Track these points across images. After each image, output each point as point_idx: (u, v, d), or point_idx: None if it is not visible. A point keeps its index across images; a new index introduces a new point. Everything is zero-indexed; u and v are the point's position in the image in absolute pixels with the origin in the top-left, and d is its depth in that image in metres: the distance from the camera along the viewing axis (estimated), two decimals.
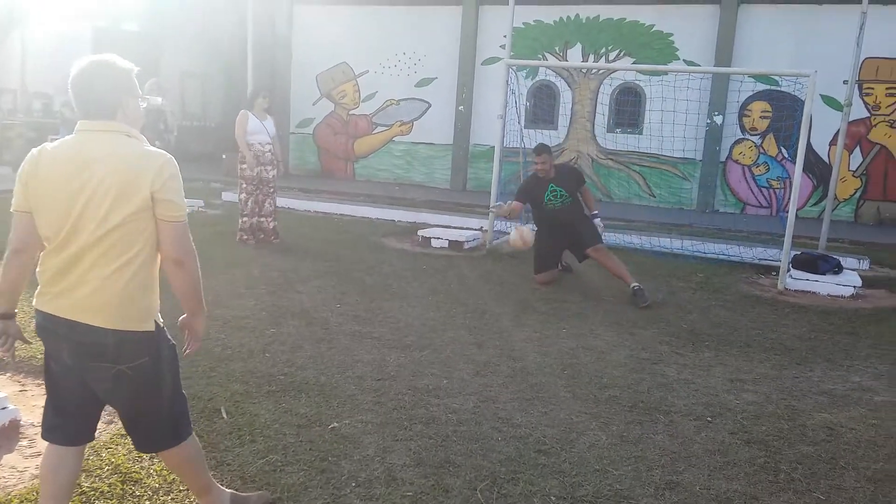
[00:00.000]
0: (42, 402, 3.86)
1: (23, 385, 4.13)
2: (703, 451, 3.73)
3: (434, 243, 9.25)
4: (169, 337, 2.52)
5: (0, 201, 10.23)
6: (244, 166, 8.30)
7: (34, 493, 2.91)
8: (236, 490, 2.97)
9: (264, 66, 15.96)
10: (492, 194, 9.25)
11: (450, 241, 9.20)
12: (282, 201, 11.19)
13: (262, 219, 8.50)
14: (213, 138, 18.06)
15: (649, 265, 8.45)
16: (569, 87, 14.55)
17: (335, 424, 3.74)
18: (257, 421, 3.72)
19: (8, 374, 4.25)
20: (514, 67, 10.14)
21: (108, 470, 3.13)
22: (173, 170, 2.38)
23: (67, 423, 2.48)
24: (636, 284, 6.87)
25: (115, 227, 2.27)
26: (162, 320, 2.51)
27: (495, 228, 9.46)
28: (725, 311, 6.74)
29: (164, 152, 2.42)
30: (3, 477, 3.13)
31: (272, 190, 8.52)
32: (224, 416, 3.77)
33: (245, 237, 8.44)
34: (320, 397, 4.08)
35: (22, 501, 2.86)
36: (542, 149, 7.33)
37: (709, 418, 4.17)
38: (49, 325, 2.36)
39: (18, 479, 3.10)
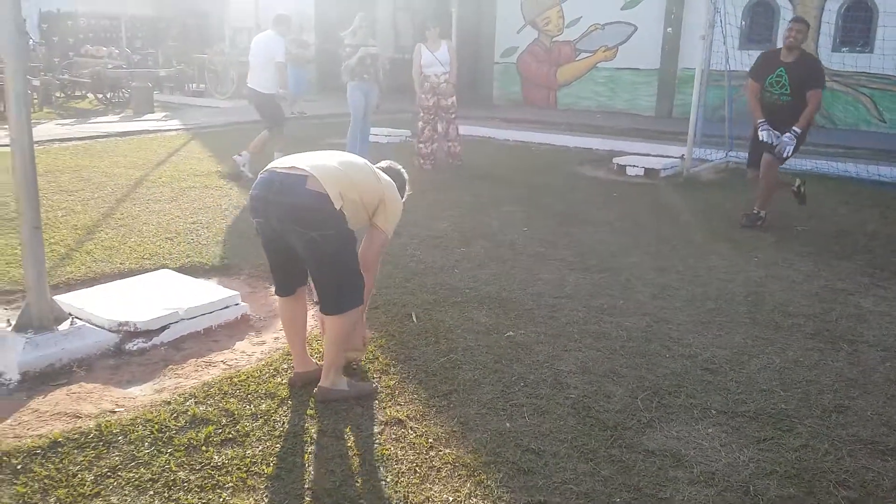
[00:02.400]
0: (267, 301, 4.56)
1: (252, 287, 4.86)
2: (883, 381, 3.62)
3: (629, 171, 9.19)
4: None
5: (237, 132, 11.43)
6: (422, 96, 8.95)
7: (259, 371, 3.53)
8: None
9: None
10: (691, 121, 8.95)
11: (645, 169, 9.09)
12: (481, 131, 11.58)
13: (450, 143, 9.08)
14: None
15: (865, 195, 7.84)
16: (790, 2, 13.40)
17: (511, 333, 4.06)
18: (442, 326, 4.14)
19: (241, 278, 5.01)
20: None
21: (316, 357, 3.68)
22: None
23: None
24: (759, 210, 6.64)
25: None
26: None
27: (694, 157, 9.18)
28: None
29: None
30: (235, 358, 3.80)
31: (454, 116, 9.03)
32: (414, 320, 4.22)
33: (421, 162, 9.03)
34: (500, 309, 4.42)
35: (248, 377, 3.47)
36: (799, 18, 6.82)
37: None
38: None
39: (247, 361, 3.75)
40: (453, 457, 2.88)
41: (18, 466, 2.73)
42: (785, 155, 6.46)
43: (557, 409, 3.26)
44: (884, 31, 12.04)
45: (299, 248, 3.12)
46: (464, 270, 5.16)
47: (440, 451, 2.92)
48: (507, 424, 3.12)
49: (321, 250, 3.08)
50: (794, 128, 6.38)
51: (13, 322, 3.66)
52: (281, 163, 3.22)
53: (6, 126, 3.62)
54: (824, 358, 3.88)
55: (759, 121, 6.59)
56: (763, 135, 6.54)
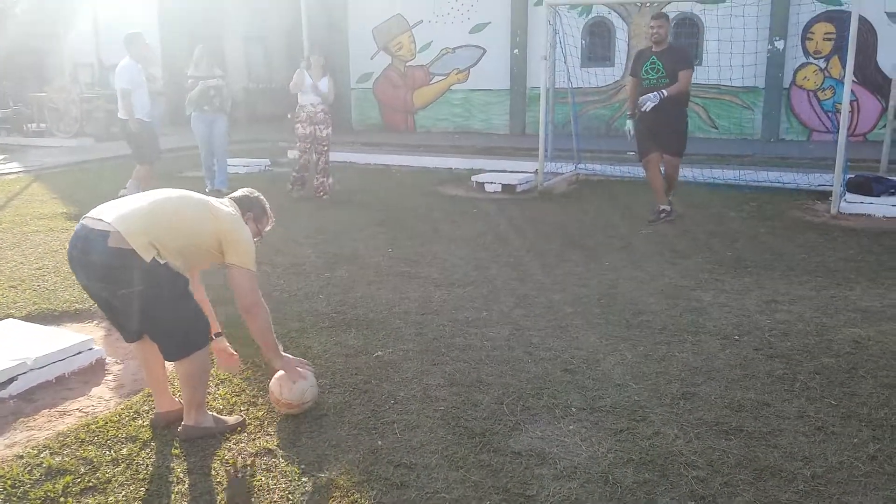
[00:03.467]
0: (122, 342, 4.38)
1: (108, 330, 4.65)
2: (724, 366, 3.94)
3: (487, 188, 9.50)
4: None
5: (82, 171, 10.91)
6: (297, 125, 8.82)
7: (118, 416, 3.40)
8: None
9: (320, 24, 16.25)
10: (540, 138, 9.38)
11: (503, 185, 9.43)
12: (342, 156, 11.62)
13: (322, 179, 8.95)
14: (279, 99, 18.59)
15: (701, 196, 8.49)
16: (624, 22, 14.34)
17: (379, 353, 4.12)
18: (310, 352, 4.13)
19: (95, 321, 4.79)
20: (560, 6, 10.13)
21: (179, 395, 3.58)
22: None
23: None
24: (664, 207, 7.26)
25: None
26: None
27: (546, 171, 9.61)
28: (774, 237, 6.80)
29: None
30: (92, 405, 3.63)
31: (325, 147, 8.92)
32: (281, 350, 4.18)
33: (290, 187, 8.99)
34: (368, 331, 4.47)
35: (107, 422, 3.34)
36: (660, 14, 7.25)
37: (736, 337, 4.36)
38: None
39: (105, 407, 3.60)
40: (326, 480, 2.89)
41: None
42: (643, 108, 7.02)
43: (427, 422, 3.34)
44: (708, 45, 13.13)
45: (115, 303, 3.02)
46: (330, 295, 5.17)
47: (312, 475, 2.92)
48: (379, 442, 3.17)
49: (136, 306, 2.99)
50: (661, 90, 6.96)
51: None
52: (93, 213, 3.09)
53: None
54: (671, 350, 4.17)
55: (628, 113, 7.48)
56: (627, 125, 7.52)
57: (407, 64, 16.63)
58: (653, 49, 7.15)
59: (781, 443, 3.14)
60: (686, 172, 9.63)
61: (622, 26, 14.38)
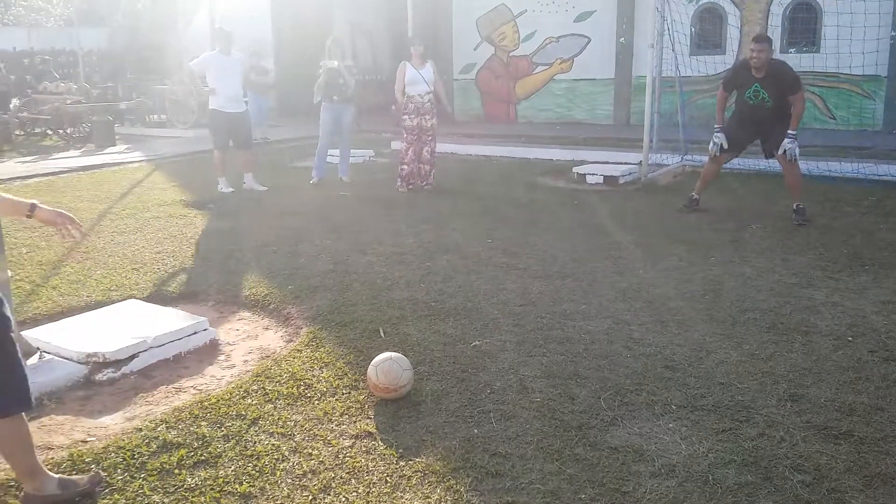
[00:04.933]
0: (236, 325, 4.61)
1: (220, 313, 4.90)
2: (835, 368, 3.76)
3: (589, 179, 9.37)
4: None
5: (197, 161, 11.46)
6: (405, 117, 8.77)
7: (229, 394, 3.57)
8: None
9: (425, 15, 16.40)
10: (645, 129, 9.16)
11: (605, 177, 9.28)
12: (444, 146, 11.72)
13: (420, 165, 8.95)
14: (384, 90, 18.92)
15: (817, 191, 8.09)
16: (736, 7, 13.79)
17: (477, 342, 4.16)
18: (409, 339, 4.21)
19: (209, 304, 5.05)
20: None
21: (285, 376, 3.74)
22: None
23: None
24: (800, 204, 6.92)
25: None
26: None
27: (651, 162, 9.39)
28: (894, 234, 6.41)
29: None
30: (205, 383, 3.84)
31: (430, 137, 8.89)
32: (382, 335, 4.29)
33: (400, 184, 8.94)
34: (466, 320, 4.51)
35: (218, 400, 3.52)
36: (762, 37, 6.98)
37: (850, 338, 4.15)
38: None
39: (217, 385, 3.79)
40: (423, 465, 2.95)
41: None
42: (796, 157, 6.90)
43: (523, 413, 3.35)
44: (827, 31, 12.45)
45: None
46: (430, 284, 5.25)
47: (410, 460, 2.99)
48: (475, 431, 3.21)
49: None
50: (788, 132, 6.81)
51: None
52: None
53: None
54: (779, 350, 4.02)
55: (717, 126, 7.25)
56: (715, 139, 7.23)
57: (510, 54, 16.57)
58: (754, 74, 6.87)
59: (895, 449, 2.99)
60: (802, 165, 9.22)
61: (734, 12, 13.83)
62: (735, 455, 2.98)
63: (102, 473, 2.89)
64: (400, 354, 3.64)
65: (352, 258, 5.94)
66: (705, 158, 7.68)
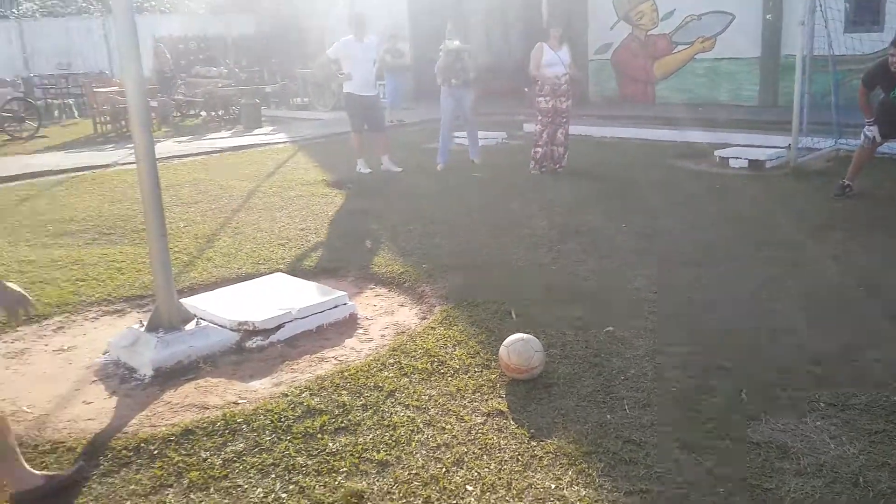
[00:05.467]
0: (373, 301, 4.76)
1: (359, 289, 5.08)
2: None
3: (732, 163, 8.97)
4: None
5: (337, 143, 11.88)
6: (540, 99, 8.69)
7: (367, 366, 3.71)
8: None
9: None
10: (794, 110, 8.63)
11: (749, 161, 8.85)
12: (578, 129, 11.56)
13: (554, 147, 8.85)
14: (515, 73, 18.84)
15: None
16: None
17: (610, 328, 4.10)
18: (541, 321, 4.21)
19: (349, 280, 5.25)
20: None
21: (420, 352, 3.85)
22: None
23: None
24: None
25: None
26: None
27: (801, 146, 8.85)
28: None
29: None
30: (345, 354, 4.00)
31: (564, 120, 8.78)
32: (513, 316, 4.32)
33: (533, 166, 8.88)
34: (599, 305, 4.46)
35: (358, 371, 3.66)
36: None
37: None
38: None
39: (356, 357, 3.95)
40: (554, 446, 2.96)
41: (155, 452, 3.01)
42: None
43: (659, 401, 3.29)
44: None
45: None
46: (561, 267, 5.21)
47: (541, 440, 3.01)
48: (608, 416, 3.18)
49: None
50: None
51: (145, 323, 4.00)
52: None
53: (131, 145, 3.95)
54: None
55: (868, 119, 7.00)
56: (867, 132, 7.01)
57: (648, 33, 16.04)
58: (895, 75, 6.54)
59: None
60: None
61: None
62: (890, 458, 2.80)
63: (82, 464, 2.91)
64: (532, 336, 3.65)
65: (484, 239, 5.99)
66: (859, 142, 7.20)
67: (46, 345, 4.24)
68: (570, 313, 4.34)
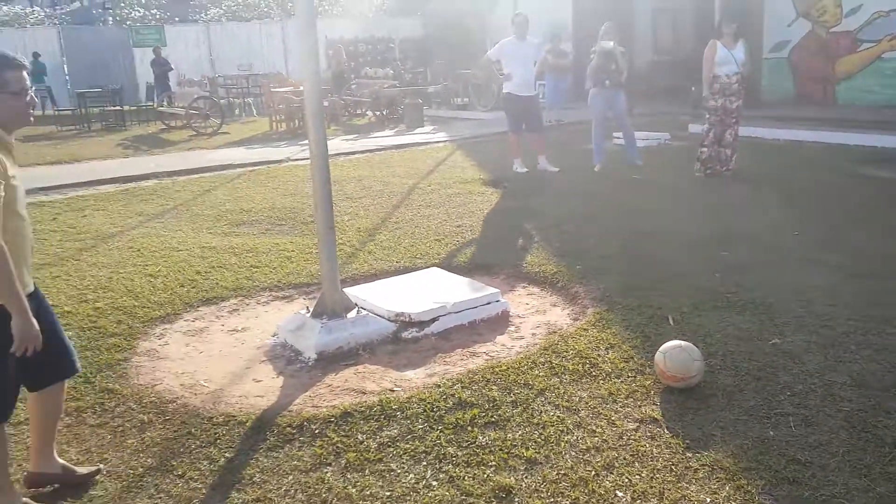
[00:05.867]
0: (525, 299, 4.76)
1: (511, 287, 5.11)
2: None
3: None
4: None
5: (494, 142, 11.96)
6: (711, 97, 8.31)
7: (518, 364, 3.73)
8: None
9: None
10: None
11: None
12: (748, 130, 11.01)
13: (721, 148, 8.47)
14: (684, 71, 18.15)
15: None
16: None
17: (776, 340, 3.88)
18: (701, 330, 4.06)
19: (501, 277, 5.29)
20: None
21: (572, 353, 3.82)
22: None
23: None
24: None
25: None
26: None
27: None
28: None
29: None
30: (496, 350, 4.05)
31: (734, 120, 8.38)
32: (671, 323, 4.19)
33: (698, 168, 8.53)
34: (764, 316, 4.23)
35: (508, 368, 3.69)
36: None
37: None
38: None
39: (507, 354, 3.99)
40: (711, 459, 2.85)
41: (316, 431, 3.18)
42: None
43: (828, 421, 3.08)
44: None
45: None
46: (726, 274, 4.99)
47: (697, 452, 2.91)
48: (771, 432, 3.01)
49: None
50: None
51: (311, 309, 4.23)
52: None
53: (302, 143, 4.18)
54: None
55: None
56: None
57: (830, 30, 14.96)
58: None
59: None
60: None
61: None
62: None
63: (101, 467, 2.98)
64: (690, 344, 3.53)
65: (642, 242, 5.85)
66: None
67: (223, 325, 4.59)
68: (733, 322, 4.15)
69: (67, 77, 20.83)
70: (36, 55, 19.01)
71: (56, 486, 2.89)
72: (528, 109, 9.13)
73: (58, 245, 6.19)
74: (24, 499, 2.77)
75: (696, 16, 18.21)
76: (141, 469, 2.96)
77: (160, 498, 2.78)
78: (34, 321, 2.50)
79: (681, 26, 19.10)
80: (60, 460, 2.96)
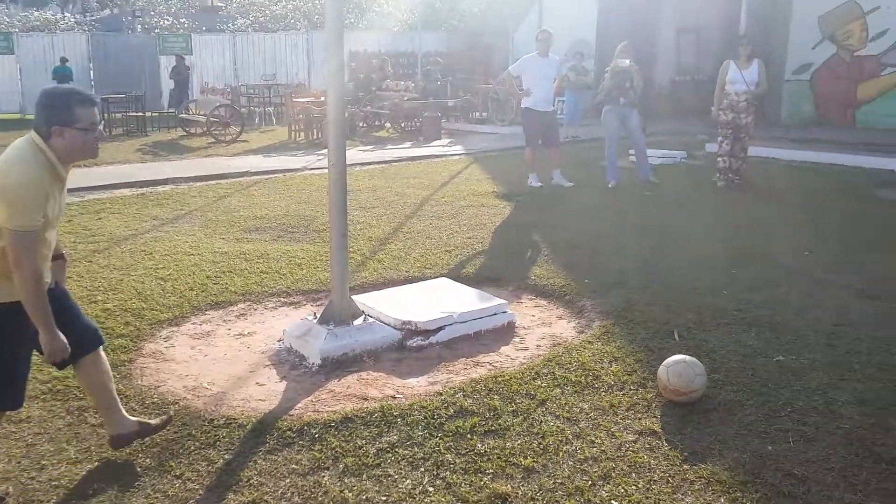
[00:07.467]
0: (531, 311, 4.77)
1: (519, 299, 5.13)
2: None
3: None
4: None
5: (511, 157, 11.97)
6: (720, 112, 8.92)
7: (521, 374, 3.75)
8: None
9: (760, 13, 15.37)
10: None
11: None
12: (765, 151, 10.99)
13: (731, 158, 8.96)
14: (706, 91, 18.12)
15: None
16: None
17: (780, 358, 3.87)
18: (705, 346, 4.06)
19: (509, 289, 5.31)
20: None
21: (575, 365, 3.83)
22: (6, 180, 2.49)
23: None
24: None
25: None
26: None
27: None
28: None
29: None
30: (500, 361, 4.07)
31: (743, 135, 8.91)
32: (676, 338, 4.19)
33: (718, 177, 9.08)
34: (770, 334, 4.22)
35: (511, 378, 3.71)
36: None
37: None
38: None
39: (511, 364, 4.00)
40: (708, 472, 2.85)
41: (316, 435, 3.21)
42: None
43: (827, 437, 3.07)
44: None
45: None
46: (733, 292, 4.98)
47: (694, 465, 2.91)
48: (769, 447, 3.01)
49: None
50: None
51: (318, 315, 4.28)
52: None
53: (319, 152, 4.24)
54: None
55: None
56: None
57: (854, 54, 14.91)
58: None
59: None
60: None
61: None
62: None
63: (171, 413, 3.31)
64: (694, 359, 3.53)
65: (652, 258, 5.85)
66: None
67: (229, 329, 4.64)
68: (738, 339, 4.15)
69: (93, 83, 21.14)
70: (63, 60, 19.33)
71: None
72: (547, 124, 9.23)
73: (71, 247, 6.29)
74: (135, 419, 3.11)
75: (720, 36, 18.21)
76: (139, 469, 3.01)
77: (156, 498, 2.81)
78: (60, 335, 2.65)
79: (704, 46, 19.09)
80: (132, 418, 3.15)
